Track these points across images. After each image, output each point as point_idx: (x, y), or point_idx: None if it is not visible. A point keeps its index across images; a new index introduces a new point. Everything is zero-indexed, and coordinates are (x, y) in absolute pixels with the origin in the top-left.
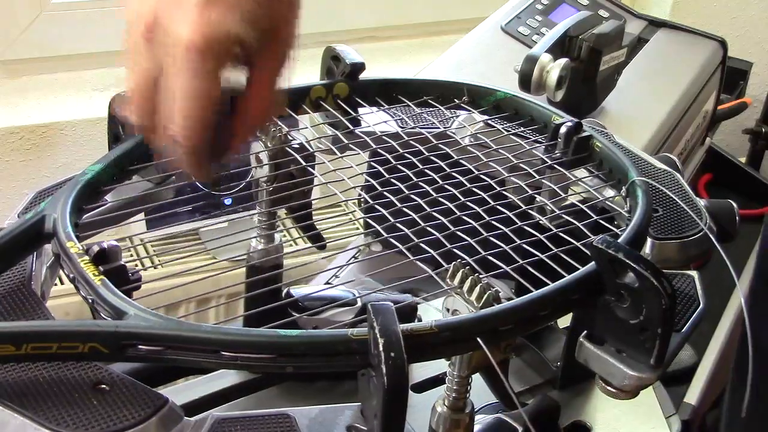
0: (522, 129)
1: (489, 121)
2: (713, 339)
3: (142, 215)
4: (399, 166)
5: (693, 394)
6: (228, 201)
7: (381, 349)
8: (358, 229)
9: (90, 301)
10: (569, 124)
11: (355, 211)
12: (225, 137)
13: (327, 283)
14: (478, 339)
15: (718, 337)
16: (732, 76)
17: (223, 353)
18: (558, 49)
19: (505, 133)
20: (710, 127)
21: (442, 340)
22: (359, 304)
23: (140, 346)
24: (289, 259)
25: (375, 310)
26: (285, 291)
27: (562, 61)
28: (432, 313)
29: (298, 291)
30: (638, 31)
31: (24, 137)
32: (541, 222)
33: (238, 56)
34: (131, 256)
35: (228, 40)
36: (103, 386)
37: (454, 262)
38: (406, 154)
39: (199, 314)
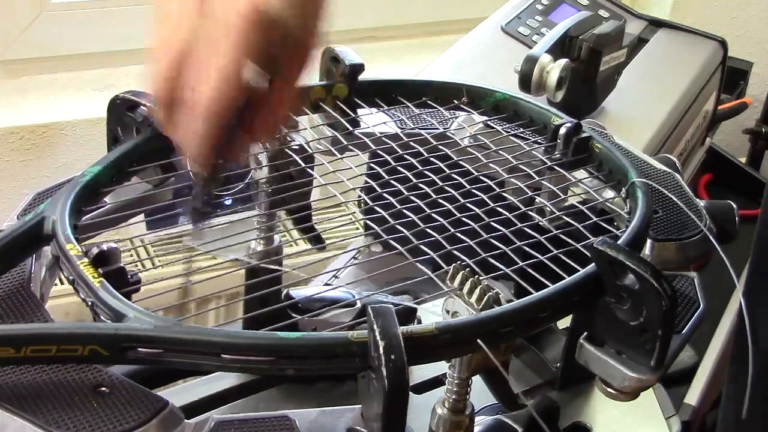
0: (521, 130)
1: (488, 122)
2: (713, 340)
3: (141, 217)
4: (398, 167)
5: (693, 395)
6: (228, 202)
7: (381, 351)
8: (358, 230)
9: (89, 303)
10: (569, 125)
11: (354, 212)
12: (236, 134)
13: (326, 284)
14: (480, 341)
15: (719, 338)
16: (732, 76)
17: (223, 356)
18: (558, 49)
19: (505, 134)
20: (710, 127)
21: (442, 342)
22: (359, 305)
23: (140, 349)
24: (289, 260)
25: (375, 312)
26: (284, 293)
27: (562, 61)
28: (431, 315)
29: (298, 293)
30: (638, 31)
31: (24, 137)
32: (540, 223)
33: (270, 53)
34: (131, 257)
35: (277, 22)
36: (103, 389)
37: (454, 264)
38: (405, 155)
39: (199, 316)
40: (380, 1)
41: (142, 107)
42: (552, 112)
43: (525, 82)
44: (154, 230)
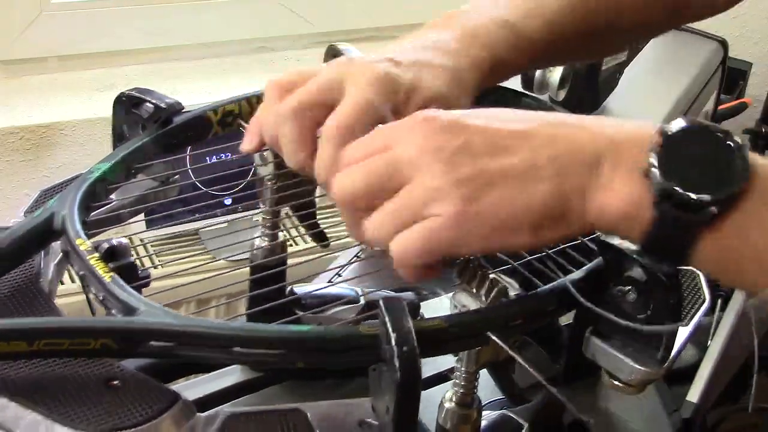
0: None
1: None
2: (715, 337)
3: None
4: None
5: (695, 393)
6: (228, 201)
7: (393, 343)
8: None
9: (100, 297)
10: None
11: None
12: None
13: (330, 281)
14: (490, 333)
15: (721, 334)
16: (732, 77)
17: (235, 349)
18: None
19: None
20: None
21: (452, 336)
22: (362, 302)
23: (152, 343)
24: (294, 257)
25: (387, 305)
26: (288, 289)
27: None
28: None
29: (302, 289)
30: None
31: (24, 137)
32: None
33: None
34: (132, 255)
35: None
36: (115, 382)
37: (461, 258)
38: None
39: (200, 314)
40: (381, 1)
41: (147, 104)
42: (549, 106)
43: (527, 81)
44: (157, 226)
